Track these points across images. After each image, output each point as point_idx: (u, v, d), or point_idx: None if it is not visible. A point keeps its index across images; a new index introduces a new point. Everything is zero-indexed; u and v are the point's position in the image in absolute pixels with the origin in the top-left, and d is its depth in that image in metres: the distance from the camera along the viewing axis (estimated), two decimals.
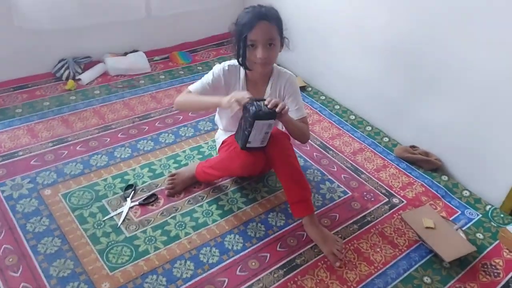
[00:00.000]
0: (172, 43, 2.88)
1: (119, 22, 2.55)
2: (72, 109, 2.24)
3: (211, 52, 2.95)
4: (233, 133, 1.79)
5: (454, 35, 1.90)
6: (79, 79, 2.43)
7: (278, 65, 1.78)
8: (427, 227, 1.74)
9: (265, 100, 1.51)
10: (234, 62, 1.74)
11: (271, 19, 1.57)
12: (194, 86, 1.72)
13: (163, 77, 2.62)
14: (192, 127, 2.23)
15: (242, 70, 1.72)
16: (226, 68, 1.72)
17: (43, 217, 1.63)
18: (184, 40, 2.93)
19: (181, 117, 2.29)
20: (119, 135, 2.10)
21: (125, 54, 2.65)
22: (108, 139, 2.06)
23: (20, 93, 2.30)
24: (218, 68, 1.72)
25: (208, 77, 1.72)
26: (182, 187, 1.82)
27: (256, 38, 1.56)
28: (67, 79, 2.42)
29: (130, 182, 1.84)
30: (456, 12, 1.87)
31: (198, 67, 2.77)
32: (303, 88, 2.64)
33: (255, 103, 1.47)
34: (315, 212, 1.74)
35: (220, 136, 1.92)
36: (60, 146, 1.98)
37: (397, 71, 2.21)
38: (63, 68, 2.43)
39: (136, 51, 2.69)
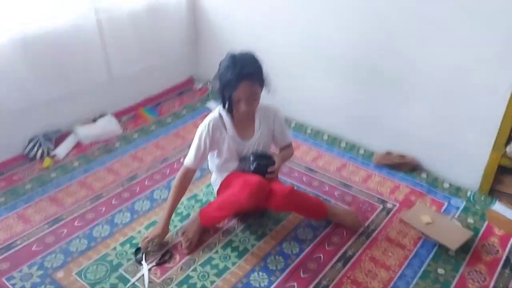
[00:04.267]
0: (136, 100, 2.91)
1: (83, 90, 2.56)
2: (56, 186, 2.20)
3: (175, 102, 3.01)
4: (228, 173, 1.92)
5: (408, 42, 2.12)
6: (55, 155, 2.39)
7: None
8: (426, 223, 1.89)
9: (269, 158, 1.86)
10: (214, 115, 1.83)
11: (254, 76, 1.68)
12: (189, 160, 1.83)
13: (136, 135, 2.64)
14: None
15: (227, 119, 1.81)
16: (210, 127, 1.79)
17: None
18: (147, 95, 2.97)
19: (168, 170, 2.32)
20: (113, 202, 2.09)
21: (94, 120, 2.64)
22: (104, 208, 2.05)
23: None
24: (203, 131, 1.80)
25: (199, 146, 1.80)
26: (197, 238, 1.85)
27: (240, 97, 1.70)
28: (41, 157, 2.37)
29: (139, 245, 1.84)
30: (407, 19, 2.08)
31: (167, 119, 2.82)
32: None
33: (256, 158, 1.83)
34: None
35: (217, 177, 1.97)
36: (57, 226, 1.94)
37: (359, 86, 2.40)
38: (35, 147, 2.38)
39: (104, 115, 2.69)
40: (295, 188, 1.86)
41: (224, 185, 1.92)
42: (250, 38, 2.73)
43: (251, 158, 1.83)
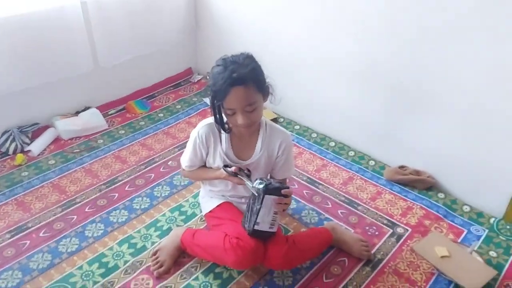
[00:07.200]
0: (126, 92, 2.66)
1: (65, 79, 2.31)
2: (26, 187, 1.96)
3: (170, 95, 2.76)
4: (219, 199, 1.68)
5: (433, 55, 1.83)
6: (29, 151, 2.16)
7: None
8: (442, 256, 1.63)
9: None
10: (209, 121, 1.55)
11: (246, 80, 1.33)
12: (185, 162, 1.65)
13: (123, 132, 2.39)
14: (167, 184, 2.02)
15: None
16: (203, 137, 1.55)
17: None
18: (138, 87, 2.72)
19: (153, 175, 2.07)
20: (86, 210, 1.85)
21: (77, 113, 2.40)
22: (75, 217, 1.81)
23: None
24: (196, 139, 1.56)
25: (194, 151, 1.60)
26: (171, 261, 1.59)
27: (233, 106, 1.37)
28: (14, 152, 2.14)
29: (110, 265, 1.60)
30: (431, 32, 1.80)
31: (159, 114, 2.56)
32: (274, 120, 2.50)
33: (264, 179, 1.40)
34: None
35: (207, 200, 1.72)
36: (19, 236, 1.71)
37: (374, 93, 2.11)
38: (8, 141, 2.15)
39: (88, 107, 2.45)
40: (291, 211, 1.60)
41: (213, 218, 1.66)
42: (257, 27, 2.47)
43: (259, 180, 1.39)
